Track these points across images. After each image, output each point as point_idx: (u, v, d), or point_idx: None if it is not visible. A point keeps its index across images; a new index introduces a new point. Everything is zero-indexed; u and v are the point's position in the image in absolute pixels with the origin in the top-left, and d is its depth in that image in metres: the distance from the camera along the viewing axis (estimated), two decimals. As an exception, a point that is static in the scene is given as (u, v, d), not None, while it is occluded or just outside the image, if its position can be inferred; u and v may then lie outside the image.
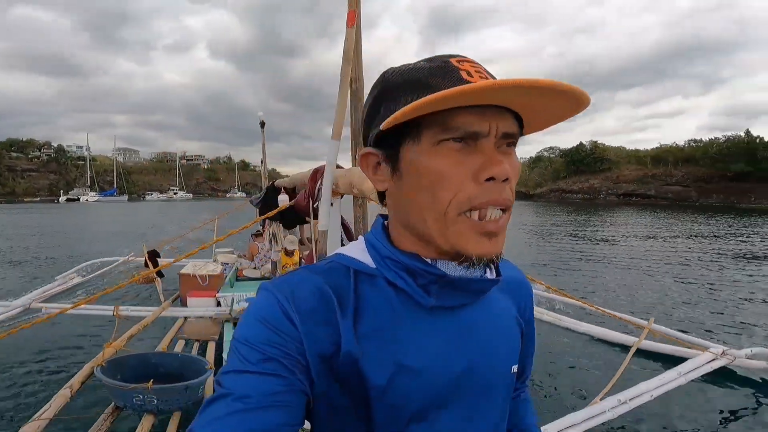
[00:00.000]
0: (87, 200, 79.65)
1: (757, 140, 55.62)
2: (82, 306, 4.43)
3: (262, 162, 9.77)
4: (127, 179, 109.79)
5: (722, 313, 7.12)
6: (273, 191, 5.68)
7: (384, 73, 0.63)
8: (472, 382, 0.63)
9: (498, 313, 0.69)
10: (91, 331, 5.78)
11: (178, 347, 4.42)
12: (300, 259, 6.96)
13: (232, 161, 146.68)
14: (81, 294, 7.66)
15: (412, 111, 0.51)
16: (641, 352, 4.42)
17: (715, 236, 18.93)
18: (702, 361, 3.72)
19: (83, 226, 26.49)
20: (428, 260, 0.61)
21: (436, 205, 0.57)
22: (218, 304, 5.52)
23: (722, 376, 4.15)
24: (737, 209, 42.58)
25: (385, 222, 0.68)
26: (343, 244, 2.90)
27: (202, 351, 4.43)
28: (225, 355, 4.03)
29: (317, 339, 0.58)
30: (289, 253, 6.90)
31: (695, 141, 67.73)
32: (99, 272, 9.12)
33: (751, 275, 10.31)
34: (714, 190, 57.45)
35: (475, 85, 0.48)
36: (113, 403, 3.16)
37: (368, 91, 0.66)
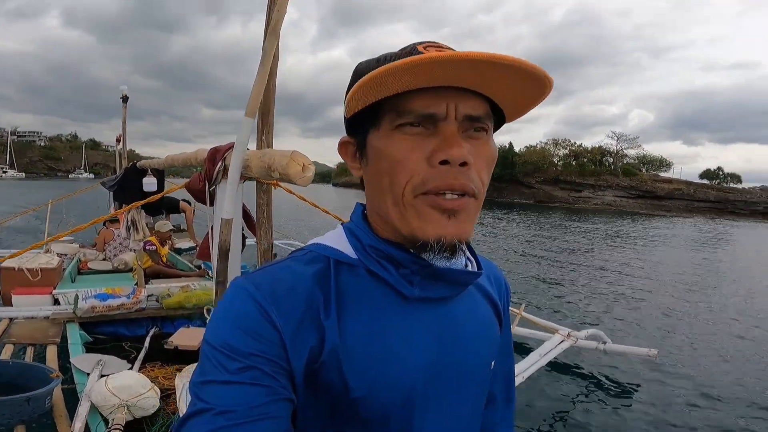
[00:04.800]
0: None
1: (510, 151, 71.10)
2: None
3: (118, 140, 7.95)
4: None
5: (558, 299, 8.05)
6: (135, 173, 4.68)
7: (358, 65, 0.58)
8: (454, 375, 0.59)
9: (478, 309, 0.65)
10: None
11: (6, 353, 3.31)
12: (168, 251, 5.83)
13: (78, 139, 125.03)
14: None
15: (357, 91, 0.49)
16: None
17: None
18: (554, 342, 4.02)
19: None
20: (411, 250, 0.55)
21: (394, 188, 0.52)
22: (56, 302, 4.33)
23: (571, 354, 4.60)
24: (496, 202, 54.79)
25: (365, 210, 0.62)
26: (243, 234, 2.40)
27: (40, 357, 3.38)
28: (72, 360, 3.14)
29: (301, 341, 0.51)
30: (162, 241, 5.70)
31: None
32: None
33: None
34: (483, 187, 74.74)
35: (407, 59, 0.44)
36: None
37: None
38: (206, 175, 2.34)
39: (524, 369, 3.57)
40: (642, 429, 3.73)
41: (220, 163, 2.29)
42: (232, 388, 0.48)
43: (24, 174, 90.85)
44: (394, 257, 0.55)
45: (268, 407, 0.48)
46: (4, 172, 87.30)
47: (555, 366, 4.54)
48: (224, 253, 1.96)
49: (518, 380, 3.43)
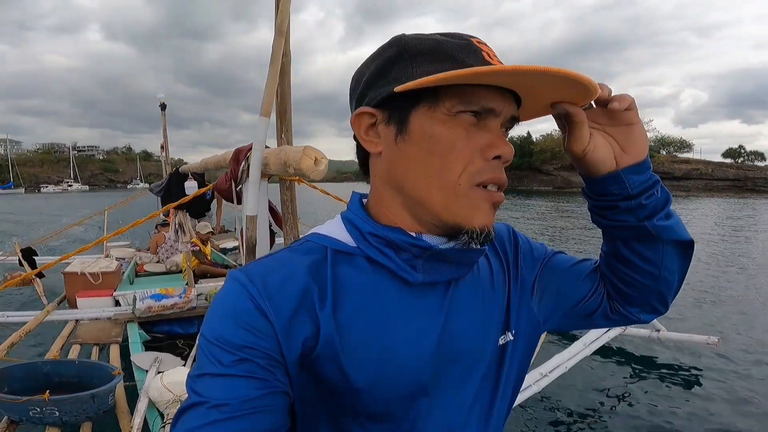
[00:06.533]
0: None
1: (528, 140, 69.40)
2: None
3: (162, 147, 8.15)
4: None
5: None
6: (178, 178, 4.81)
7: (399, 37, 0.53)
8: (461, 362, 0.56)
9: (483, 283, 0.60)
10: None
11: (73, 353, 3.48)
12: (212, 250, 5.97)
13: (132, 151, 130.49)
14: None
15: (454, 79, 0.46)
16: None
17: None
18: (601, 330, 3.73)
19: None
20: (412, 234, 0.53)
21: (446, 174, 0.50)
22: (117, 303, 4.51)
23: (617, 342, 4.32)
24: (517, 190, 53.35)
25: (363, 199, 0.59)
26: (271, 229, 2.39)
27: (104, 356, 3.53)
28: (132, 358, 3.27)
29: (295, 334, 0.49)
30: (204, 241, 5.81)
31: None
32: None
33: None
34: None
35: (527, 67, 0.44)
36: (6, 417, 2.46)
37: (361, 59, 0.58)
38: (232, 174, 2.34)
39: (567, 359, 3.35)
40: (702, 425, 3.36)
41: (243, 163, 2.27)
42: (226, 381, 0.46)
43: (87, 187, 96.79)
44: (394, 242, 0.53)
45: (263, 400, 0.46)
46: (70, 185, 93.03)
47: (605, 354, 4.26)
48: (251, 248, 1.96)
49: (561, 370, 3.25)
